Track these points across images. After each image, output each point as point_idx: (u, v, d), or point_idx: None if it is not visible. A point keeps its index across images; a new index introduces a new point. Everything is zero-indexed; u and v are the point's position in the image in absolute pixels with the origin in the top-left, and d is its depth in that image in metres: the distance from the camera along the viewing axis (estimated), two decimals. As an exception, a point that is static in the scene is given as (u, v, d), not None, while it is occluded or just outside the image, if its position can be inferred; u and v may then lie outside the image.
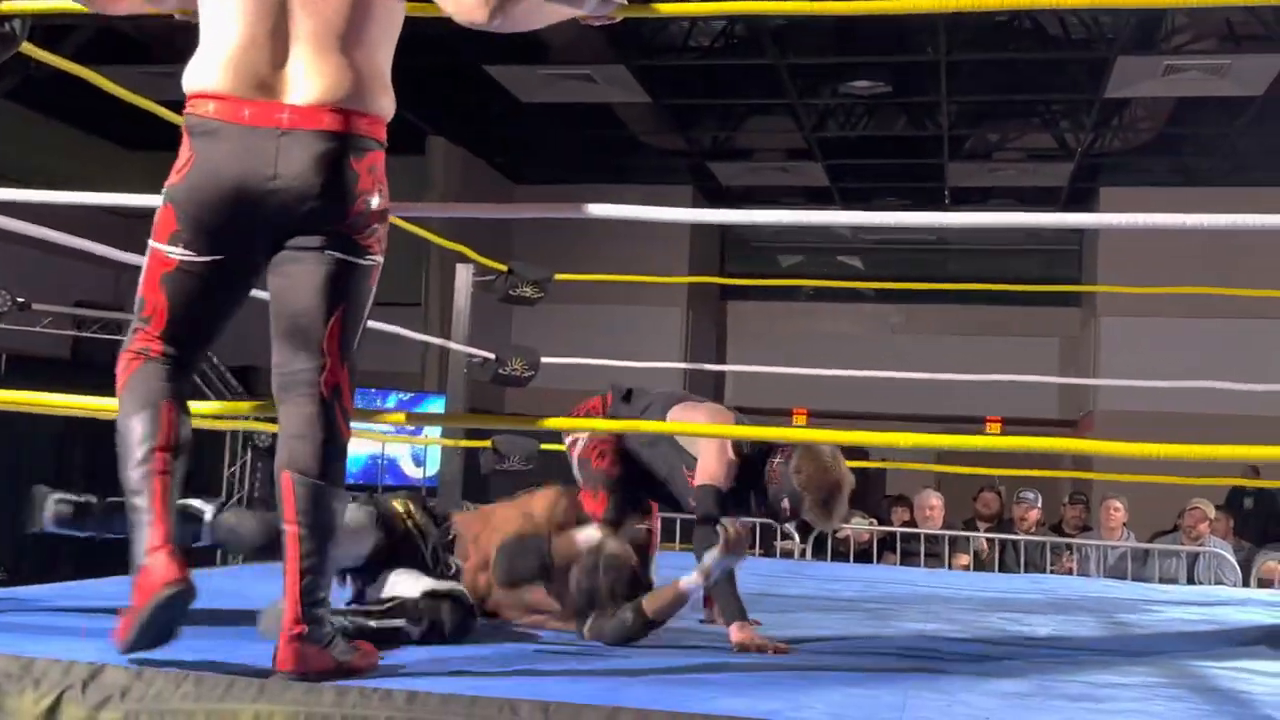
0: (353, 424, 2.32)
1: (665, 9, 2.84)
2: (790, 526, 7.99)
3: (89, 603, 2.98)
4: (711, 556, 2.90)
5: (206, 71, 2.21)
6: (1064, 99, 10.99)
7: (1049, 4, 2.37)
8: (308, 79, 2.19)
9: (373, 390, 11.25)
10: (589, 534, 2.95)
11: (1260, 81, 9.58)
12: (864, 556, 7.20)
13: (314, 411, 2.21)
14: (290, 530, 2.16)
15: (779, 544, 7.83)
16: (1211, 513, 7.02)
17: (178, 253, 2.23)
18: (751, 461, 3.29)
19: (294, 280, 2.23)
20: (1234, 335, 12.16)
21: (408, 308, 11.60)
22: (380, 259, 2.30)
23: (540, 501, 3.19)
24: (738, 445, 3.30)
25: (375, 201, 2.25)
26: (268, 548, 2.75)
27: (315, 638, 2.14)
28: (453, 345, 5.51)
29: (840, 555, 7.13)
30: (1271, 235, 11.76)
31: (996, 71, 10.16)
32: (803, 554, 7.23)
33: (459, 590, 2.89)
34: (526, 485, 3.43)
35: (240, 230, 2.20)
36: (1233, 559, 6.72)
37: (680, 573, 2.98)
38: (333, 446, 2.21)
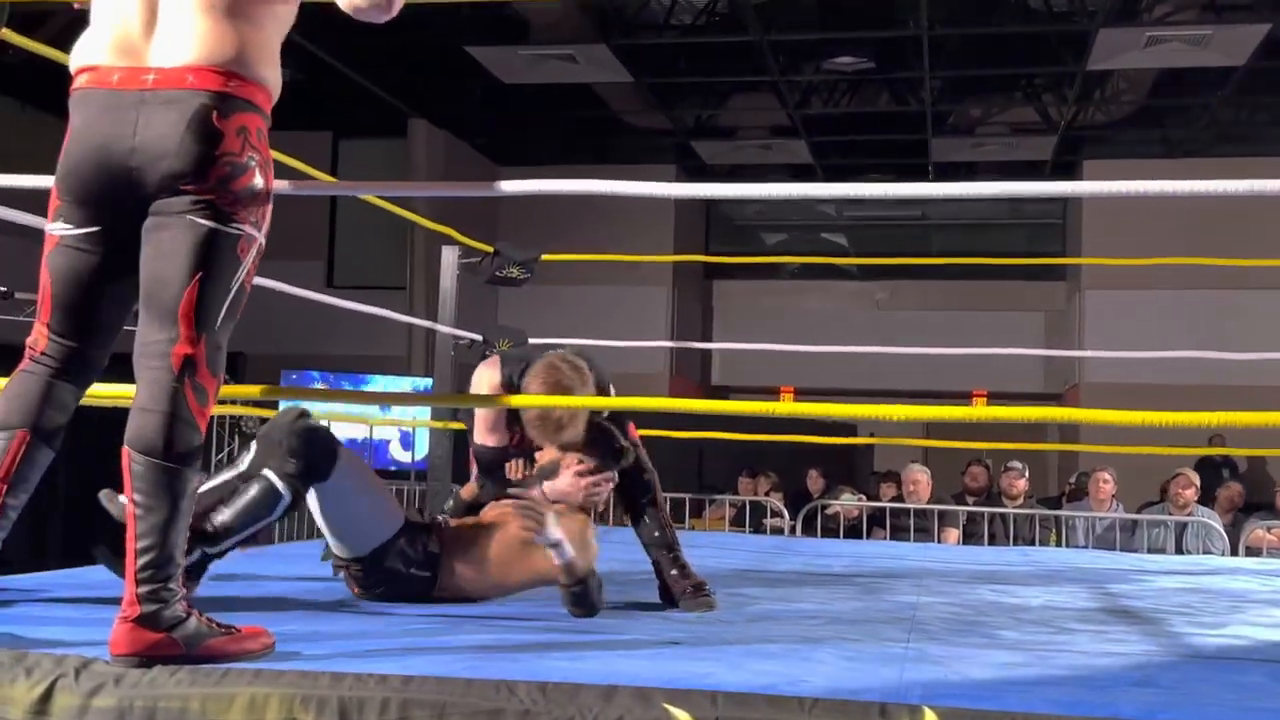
0: (345, 407, 2.29)
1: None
2: (780, 503, 8.01)
3: (77, 592, 2.97)
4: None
5: (85, 47, 2.23)
6: (1046, 72, 10.99)
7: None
8: (176, 42, 2.16)
9: (360, 374, 11.22)
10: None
11: (1242, 51, 9.59)
12: (853, 532, 7.22)
13: (162, 385, 2.13)
14: (128, 508, 2.11)
15: (768, 521, 7.85)
16: (1197, 480, 7.05)
17: (58, 228, 2.22)
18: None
19: (155, 247, 2.17)
20: (1218, 307, 12.22)
21: (392, 291, 11.58)
22: (254, 234, 2.23)
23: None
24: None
25: (245, 167, 2.18)
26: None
27: (152, 621, 2.07)
28: (439, 328, 5.49)
29: (830, 531, 7.15)
30: (1254, 207, 11.80)
31: (979, 46, 10.15)
32: (791, 530, 7.24)
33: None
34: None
35: (111, 197, 2.16)
36: (1220, 528, 6.76)
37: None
38: (179, 423, 2.12)
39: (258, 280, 4.16)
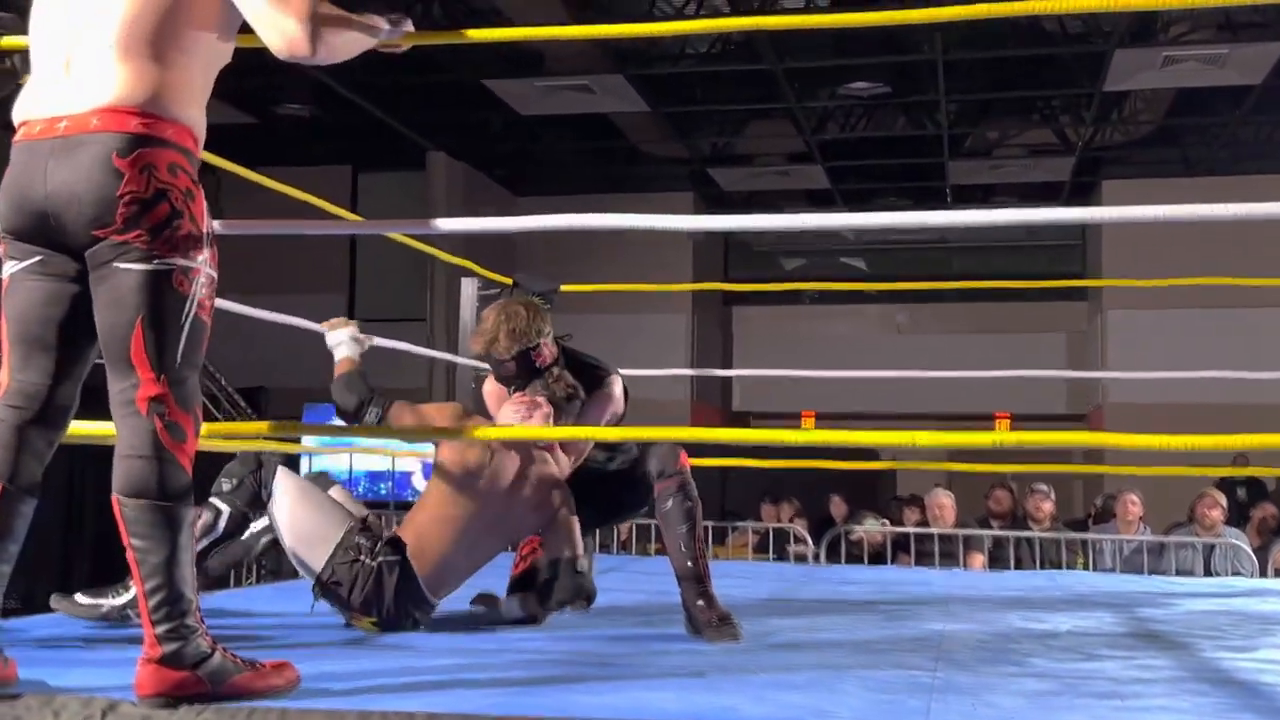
0: (368, 440, 2.28)
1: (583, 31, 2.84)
2: (803, 529, 7.97)
3: (104, 633, 2.98)
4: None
5: (20, 102, 2.26)
6: (1063, 94, 10.98)
7: (1045, 9, 2.33)
8: (86, 88, 2.18)
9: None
10: None
11: (1259, 70, 9.57)
12: (878, 558, 7.17)
13: (137, 430, 2.14)
14: (129, 554, 2.11)
15: (791, 548, 7.81)
16: (1223, 501, 6.99)
17: (7, 268, 2.25)
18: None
19: (99, 300, 2.19)
20: (1242, 325, 12.13)
21: (412, 323, 11.61)
22: (191, 265, 2.19)
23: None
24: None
25: (154, 202, 2.15)
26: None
27: (175, 660, 2.08)
28: (459, 360, 5.51)
29: (854, 558, 7.10)
30: (1276, 224, 11.73)
31: (994, 68, 10.15)
32: (815, 557, 7.20)
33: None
34: None
35: (43, 241, 2.20)
36: (1249, 549, 6.69)
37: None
38: (162, 464, 2.13)
39: (280, 315, 4.20)
